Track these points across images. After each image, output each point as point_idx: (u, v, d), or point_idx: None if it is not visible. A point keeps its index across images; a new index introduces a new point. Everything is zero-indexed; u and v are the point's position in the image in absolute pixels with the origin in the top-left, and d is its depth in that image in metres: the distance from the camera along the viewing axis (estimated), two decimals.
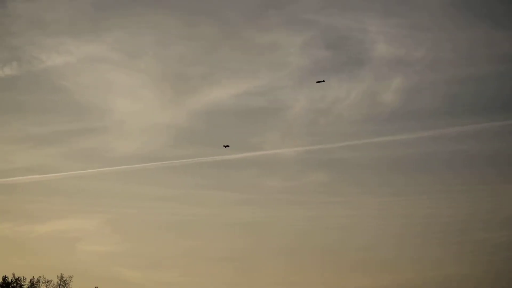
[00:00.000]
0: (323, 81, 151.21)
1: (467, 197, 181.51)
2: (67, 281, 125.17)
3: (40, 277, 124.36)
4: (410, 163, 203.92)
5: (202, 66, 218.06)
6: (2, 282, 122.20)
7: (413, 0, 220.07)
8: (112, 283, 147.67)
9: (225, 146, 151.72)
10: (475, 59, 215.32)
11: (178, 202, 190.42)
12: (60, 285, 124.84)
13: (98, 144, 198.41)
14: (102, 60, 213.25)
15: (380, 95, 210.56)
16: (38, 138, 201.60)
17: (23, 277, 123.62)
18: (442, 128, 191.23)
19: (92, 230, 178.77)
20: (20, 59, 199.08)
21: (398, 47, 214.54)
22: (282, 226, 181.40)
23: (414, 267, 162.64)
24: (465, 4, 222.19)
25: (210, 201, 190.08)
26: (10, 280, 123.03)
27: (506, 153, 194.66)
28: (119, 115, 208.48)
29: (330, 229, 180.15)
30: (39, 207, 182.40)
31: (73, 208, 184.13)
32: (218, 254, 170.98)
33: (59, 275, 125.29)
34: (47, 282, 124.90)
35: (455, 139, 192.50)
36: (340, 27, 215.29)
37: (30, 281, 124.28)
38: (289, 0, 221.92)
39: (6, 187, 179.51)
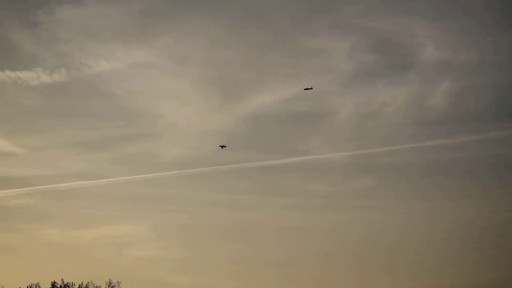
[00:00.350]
0: (311, 88, 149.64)
1: (506, 201, 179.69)
2: (115, 286, 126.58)
3: (89, 282, 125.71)
4: (457, 167, 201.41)
5: (249, 71, 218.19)
6: None
7: (459, 4, 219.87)
8: None
9: (222, 147, 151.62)
10: None
11: (226, 207, 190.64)
12: None
13: (147, 150, 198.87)
14: (150, 66, 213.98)
15: (427, 99, 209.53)
16: (87, 144, 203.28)
17: (72, 282, 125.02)
18: (488, 131, 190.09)
19: (140, 236, 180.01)
20: (69, 66, 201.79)
21: (445, 51, 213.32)
22: (327, 231, 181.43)
23: (457, 271, 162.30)
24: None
25: (257, 206, 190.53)
26: (59, 286, 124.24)
27: None
28: (168, 121, 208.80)
29: (377, 234, 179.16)
30: (88, 213, 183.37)
31: (121, 213, 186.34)
32: (265, 259, 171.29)
33: (108, 280, 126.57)
34: (96, 287, 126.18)
35: (501, 142, 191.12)
36: (386, 31, 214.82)
37: (79, 286, 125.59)
38: (335, 5, 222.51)
39: (56, 193, 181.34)
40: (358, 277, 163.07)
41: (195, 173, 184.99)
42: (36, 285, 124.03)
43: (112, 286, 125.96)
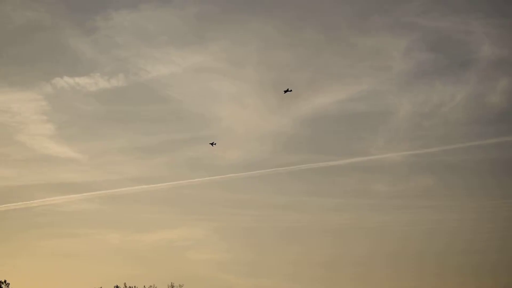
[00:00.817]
0: (291, 90, 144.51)
1: None
2: None
3: (151, 286, 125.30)
4: None
5: (305, 72, 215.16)
6: None
7: None
8: None
9: (212, 144, 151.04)
10: None
11: (285, 209, 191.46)
12: None
13: (205, 153, 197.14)
14: (207, 70, 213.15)
15: (486, 97, 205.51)
16: (146, 149, 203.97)
17: (135, 286, 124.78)
18: None
19: (200, 239, 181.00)
20: (127, 71, 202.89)
21: (503, 48, 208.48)
22: (389, 231, 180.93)
23: None
24: None
25: (316, 207, 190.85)
26: None
27: None
28: (225, 124, 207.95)
29: (438, 233, 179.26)
30: (148, 217, 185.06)
31: (182, 217, 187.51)
32: (325, 260, 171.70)
33: (170, 284, 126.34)
34: None
35: None
36: (444, 29, 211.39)
37: None
38: (392, 3, 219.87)
39: (116, 198, 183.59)
40: (423, 276, 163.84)
41: (254, 176, 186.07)
42: None
43: None
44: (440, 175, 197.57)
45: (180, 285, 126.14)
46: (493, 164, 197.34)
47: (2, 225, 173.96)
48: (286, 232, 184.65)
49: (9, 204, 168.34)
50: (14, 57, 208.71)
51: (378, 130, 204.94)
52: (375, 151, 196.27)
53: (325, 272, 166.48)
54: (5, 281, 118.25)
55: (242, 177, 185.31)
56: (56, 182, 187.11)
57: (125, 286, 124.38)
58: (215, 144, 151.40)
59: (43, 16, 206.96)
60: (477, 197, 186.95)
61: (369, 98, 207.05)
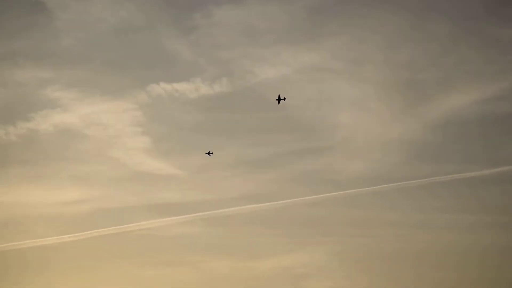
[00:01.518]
0: (284, 99, 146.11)
1: None
2: None
3: None
4: None
5: (436, 70, 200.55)
6: None
7: None
8: None
9: (208, 153, 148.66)
10: None
11: (416, 228, 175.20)
12: None
13: (323, 166, 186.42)
14: (321, 70, 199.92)
15: None
16: (255, 162, 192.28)
17: None
18: None
19: (319, 265, 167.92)
20: (231, 74, 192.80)
21: None
22: None
23: None
24: None
25: (453, 225, 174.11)
26: None
27: None
28: (344, 132, 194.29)
29: None
30: (260, 241, 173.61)
31: (297, 240, 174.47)
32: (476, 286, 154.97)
33: None
34: None
35: None
36: None
37: None
38: None
39: (222, 219, 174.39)
40: None
41: (379, 190, 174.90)
42: None
43: None
44: None
45: None
46: None
47: (93, 253, 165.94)
48: (417, 255, 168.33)
49: (100, 230, 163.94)
50: (104, 62, 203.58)
51: None
52: None
53: None
54: None
55: (365, 193, 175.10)
56: (153, 203, 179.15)
57: None
58: (212, 153, 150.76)
59: (136, 15, 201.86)
60: None
61: None
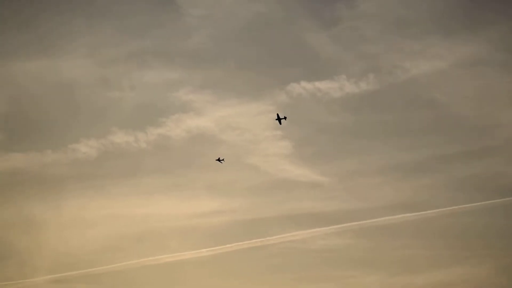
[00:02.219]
0: (284, 118, 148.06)
1: None
2: None
3: None
4: None
5: None
6: None
7: None
8: None
9: (219, 160, 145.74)
10: None
11: None
12: None
13: (483, 170, 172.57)
14: (482, 63, 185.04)
15: None
16: (408, 167, 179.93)
17: None
18: None
19: (483, 281, 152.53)
20: (378, 70, 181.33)
21: None
22: None
23: None
24: None
25: None
26: None
27: None
28: (508, 132, 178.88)
29: None
30: (413, 253, 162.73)
31: (457, 252, 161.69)
32: None
33: None
34: None
35: None
36: None
37: None
38: None
39: (373, 230, 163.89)
40: None
41: None
42: None
43: None
44: None
45: None
46: None
47: (232, 268, 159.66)
48: None
49: (240, 243, 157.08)
50: (239, 61, 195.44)
51: None
52: None
53: None
54: None
55: None
56: (296, 213, 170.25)
57: None
58: (223, 160, 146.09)
59: (273, 8, 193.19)
60: None
61: None
